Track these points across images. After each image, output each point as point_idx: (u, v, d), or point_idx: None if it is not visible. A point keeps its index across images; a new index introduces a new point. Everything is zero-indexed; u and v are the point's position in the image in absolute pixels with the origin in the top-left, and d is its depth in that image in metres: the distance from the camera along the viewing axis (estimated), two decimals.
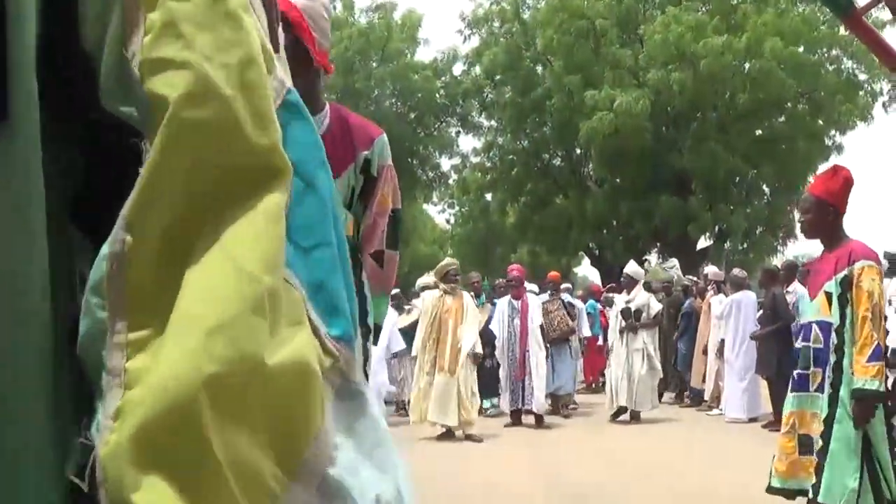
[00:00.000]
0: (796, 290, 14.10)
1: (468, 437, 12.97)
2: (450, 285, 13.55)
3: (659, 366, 15.23)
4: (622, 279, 16.01)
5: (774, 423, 13.98)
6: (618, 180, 30.36)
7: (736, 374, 15.07)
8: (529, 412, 14.34)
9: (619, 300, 15.55)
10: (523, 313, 14.60)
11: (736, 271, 16.56)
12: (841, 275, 5.57)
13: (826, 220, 5.72)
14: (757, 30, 25.64)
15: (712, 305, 15.85)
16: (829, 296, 5.64)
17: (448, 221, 41.42)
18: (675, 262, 18.03)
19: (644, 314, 15.04)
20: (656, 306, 15.37)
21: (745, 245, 29.95)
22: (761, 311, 14.96)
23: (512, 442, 13.03)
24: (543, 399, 14.54)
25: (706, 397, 16.46)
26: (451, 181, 36.50)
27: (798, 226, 27.73)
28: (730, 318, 15.26)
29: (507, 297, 14.93)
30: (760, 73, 25.95)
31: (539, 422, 14.35)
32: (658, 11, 28.64)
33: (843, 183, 5.70)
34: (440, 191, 37.33)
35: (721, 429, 14.00)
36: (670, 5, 27.48)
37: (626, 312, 15.03)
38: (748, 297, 15.45)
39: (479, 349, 13.45)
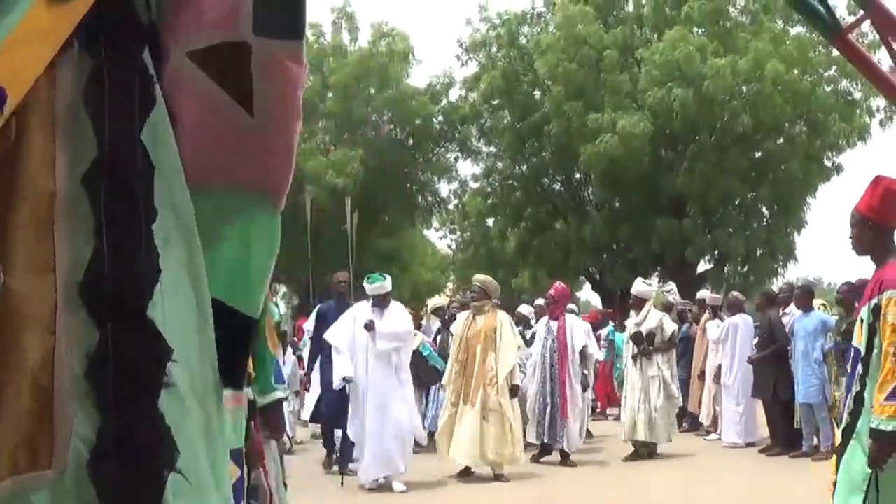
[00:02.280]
0: (793, 313, 14.06)
1: (497, 478, 11.89)
2: (478, 304, 12.33)
3: (677, 393, 14.07)
4: (630, 300, 14.73)
5: (772, 448, 13.94)
6: (617, 204, 30.36)
7: (733, 399, 15.00)
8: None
9: (629, 323, 14.24)
10: (560, 336, 13.36)
11: (734, 294, 16.50)
12: (872, 302, 5.13)
13: (867, 235, 5.34)
14: (758, 52, 25.67)
15: (708, 330, 15.73)
16: (861, 322, 5.23)
17: (449, 247, 41.38)
18: (672, 286, 17.80)
19: (658, 337, 13.75)
20: (670, 327, 14.13)
21: (744, 268, 29.87)
22: (758, 336, 14.90)
23: (538, 482, 12.05)
24: (578, 436, 13.50)
25: (703, 421, 16.40)
26: (450, 206, 36.48)
27: (796, 248, 27.61)
28: (727, 342, 15.18)
29: (545, 318, 13.85)
30: (759, 96, 25.96)
31: (565, 459, 13.14)
32: (654, 34, 28.70)
33: (881, 194, 5.30)
34: (440, 216, 37.29)
35: (735, 460, 13.89)
36: (667, 28, 27.50)
37: (637, 337, 13.76)
38: (745, 321, 15.38)
39: (517, 379, 12.23)
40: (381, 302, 11.39)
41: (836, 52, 23.06)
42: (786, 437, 13.75)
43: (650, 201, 28.34)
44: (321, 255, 26.09)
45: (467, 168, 35.77)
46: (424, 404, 15.04)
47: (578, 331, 13.74)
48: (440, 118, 34.30)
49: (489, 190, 33.92)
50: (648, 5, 29.71)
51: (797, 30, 27.74)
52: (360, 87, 32.60)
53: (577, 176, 32.15)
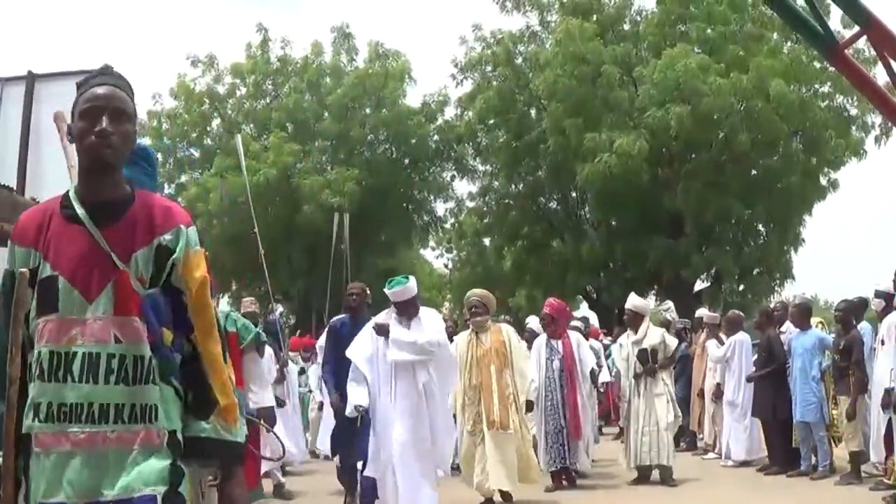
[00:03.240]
0: (789, 331, 14.03)
1: (506, 499, 11.29)
2: (476, 320, 11.40)
3: (679, 412, 13.54)
4: (625, 316, 14.05)
5: (770, 466, 13.89)
6: (613, 222, 30.37)
7: (739, 416, 14.93)
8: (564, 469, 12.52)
9: (625, 341, 13.59)
10: (567, 355, 12.76)
11: (733, 312, 16.44)
12: None
13: None
14: (759, 69, 25.69)
15: (709, 348, 15.64)
16: None
17: (446, 266, 41.41)
18: (670, 304, 17.70)
19: (660, 354, 13.12)
20: (673, 342, 13.60)
21: (741, 286, 29.85)
22: (756, 354, 14.86)
23: None
24: (587, 456, 13.06)
25: (702, 440, 16.35)
26: (447, 225, 36.50)
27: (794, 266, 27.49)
28: (733, 359, 15.11)
29: (544, 337, 13.12)
30: (758, 113, 25.97)
31: (572, 480, 12.58)
32: (651, 53, 28.75)
33: None
34: (436, 235, 37.32)
35: (741, 479, 13.83)
36: (666, 46, 27.54)
37: (643, 356, 13.03)
38: (746, 339, 15.35)
39: (531, 396, 11.71)
40: (406, 309, 9.77)
41: (831, 68, 23.17)
42: (784, 455, 13.69)
43: (647, 219, 28.35)
44: (317, 274, 26.08)
45: (463, 187, 36.02)
46: None
47: (586, 349, 13.30)
48: (436, 137, 34.33)
49: (485, 209, 33.94)
50: (647, 23, 29.78)
51: (792, 45, 27.80)
52: (356, 107, 32.63)
53: (574, 195, 32.16)
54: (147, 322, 3.30)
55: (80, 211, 3.33)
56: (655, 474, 12.88)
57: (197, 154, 34.49)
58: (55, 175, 6.49)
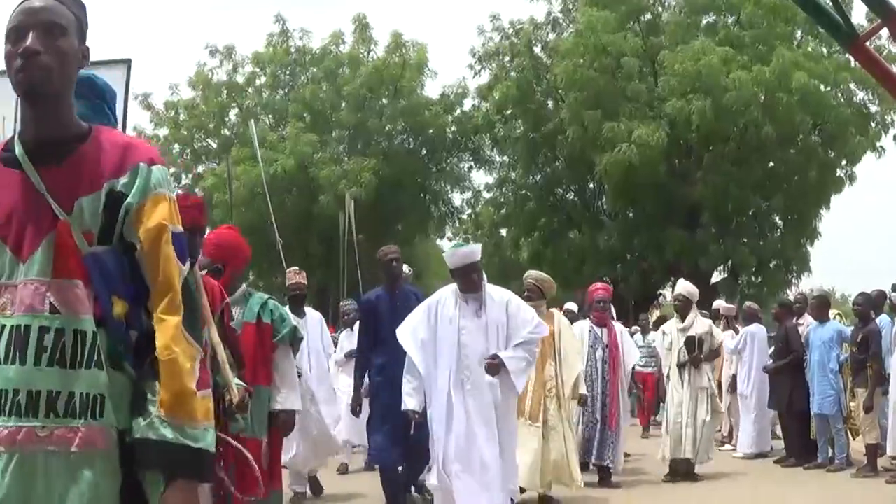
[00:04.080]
0: (808, 323, 13.99)
1: (546, 502, 10.40)
2: (533, 305, 9.83)
3: (721, 407, 13.16)
4: (675, 302, 13.14)
5: (787, 459, 13.85)
6: (630, 213, 30.29)
7: (749, 409, 14.90)
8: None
9: (670, 327, 12.79)
10: (612, 345, 12.03)
11: (748, 304, 16.39)
12: None
13: None
14: (783, 63, 25.54)
15: (724, 340, 15.58)
16: None
17: None
18: None
19: (706, 345, 12.39)
20: (720, 335, 13.15)
21: (758, 279, 29.75)
22: (773, 346, 14.82)
23: None
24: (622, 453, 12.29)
25: (718, 431, 16.32)
26: (463, 216, 36.49)
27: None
28: (744, 351, 15.09)
29: (587, 323, 12.26)
30: (781, 105, 25.84)
31: (608, 479, 11.90)
32: (673, 44, 28.63)
33: None
34: (453, 226, 37.31)
35: (758, 471, 13.78)
36: (688, 38, 27.43)
37: (690, 343, 12.23)
38: (760, 331, 15.30)
39: (583, 388, 10.86)
40: (471, 282, 8.07)
41: (853, 62, 23.07)
42: (801, 448, 13.66)
43: (664, 211, 28.27)
44: (334, 264, 26.10)
45: (480, 178, 35.93)
46: None
47: (630, 341, 12.74)
48: (453, 128, 34.31)
49: (502, 200, 33.88)
50: (671, 14, 29.68)
51: (814, 39, 27.70)
52: (374, 97, 32.62)
53: (591, 186, 32.11)
54: (93, 288, 2.64)
55: (17, 150, 2.70)
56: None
57: (214, 144, 34.54)
58: None
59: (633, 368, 13.33)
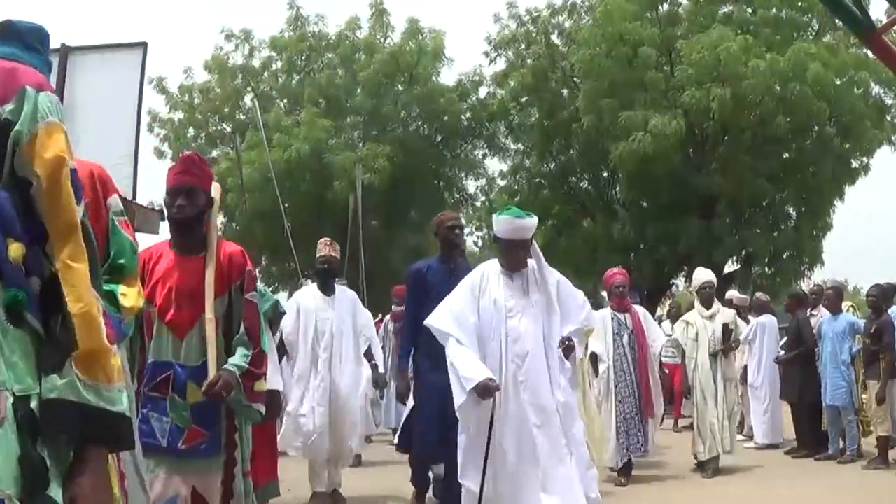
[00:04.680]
0: (821, 314, 13.99)
1: None
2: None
3: (738, 399, 13.00)
4: (703, 289, 12.67)
5: (798, 450, 13.87)
6: (645, 203, 30.24)
7: (760, 400, 14.93)
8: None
9: (694, 317, 12.58)
10: (638, 331, 11.74)
11: (759, 295, 16.40)
12: None
13: None
14: (799, 53, 25.44)
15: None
16: None
17: (475, 244, 41.44)
18: None
19: (734, 334, 12.50)
20: (743, 325, 13.28)
21: (771, 270, 29.69)
22: (786, 337, 14.84)
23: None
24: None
25: None
26: (477, 203, 36.51)
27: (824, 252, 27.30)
28: (755, 342, 15.11)
29: (607, 310, 12.01)
30: (797, 96, 25.73)
31: (628, 473, 11.65)
32: (691, 33, 28.54)
33: None
34: (467, 213, 37.32)
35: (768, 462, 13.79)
36: (706, 28, 27.33)
37: (726, 331, 12.18)
38: (771, 322, 15.32)
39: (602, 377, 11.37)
40: (518, 261, 7.10)
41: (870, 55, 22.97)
42: (812, 439, 13.68)
43: (679, 201, 28.21)
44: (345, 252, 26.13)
45: (494, 165, 35.97)
46: None
47: (653, 322, 12.35)
48: (468, 115, 34.29)
49: (516, 187, 33.80)
50: (688, 3, 29.58)
51: (832, 31, 27.59)
52: (389, 83, 32.62)
53: (605, 174, 32.07)
54: None
55: None
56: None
57: (229, 128, 34.58)
58: (88, 147, 6.36)
59: (661, 354, 12.92)
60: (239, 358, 5.39)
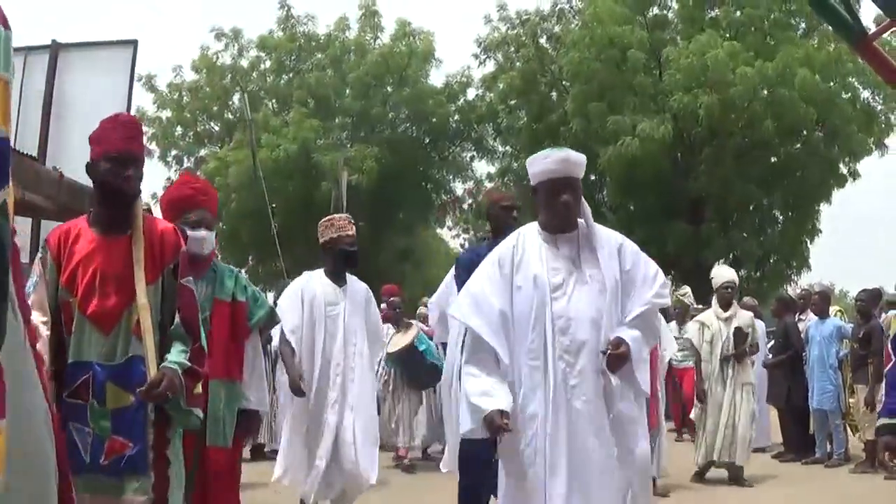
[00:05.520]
0: (809, 318, 14.02)
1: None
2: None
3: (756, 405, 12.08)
4: (725, 288, 12.09)
5: (785, 454, 13.88)
6: (632, 207, 30.28)
7: None
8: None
9: (710, 318, 12.03)
10: None
11: (746, 299, 16.39)
12: None
13: None
14: (786, 58, 25.50)
15: None
16: None
17: (462, 246, 41.48)
18: (687, 289, 17.60)
19: (750, 339, 11.84)
20: (761, 328, 12.85)
21: (758, 273, 29.75)
22: (773, 341, 14.86)
23: None
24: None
25: None
26: (465, 206, 36.52)
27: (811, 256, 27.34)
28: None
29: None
30: (784, 100, 25.78)
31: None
32: (679, 37, 28.58)
33: None
34: (454, 215, 37.32)
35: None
36: (695, 33, 27.38)
37: (739, 334, 11.61)
38: (759, 325, 15.32)
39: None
40: (564, 211, 5.16)
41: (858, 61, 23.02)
42: (799, 443, 13.70)
43: (666, 204, 28.27)
44: None
45: (482, 168, 35.95)
46: (428, 412, 13.21)
47: (664, 327, 10.54)
48: (456, 117, 34.32)
49: (504, 190, 33.85)
50: (679, 5, 29.61)
51: (820, 35, 27.67)
52: (378, 84, 32.61)
53: (593, 178, 32.10)
54: None
55: None
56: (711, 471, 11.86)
57: (217, 128, 34.52)
58: (78, 144, 6.25)
59: (670, 362, 12.45)
60: (178, 354, 4.56)
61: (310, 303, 8.10)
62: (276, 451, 8.78)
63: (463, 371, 5.18)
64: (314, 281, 8.31)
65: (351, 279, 8.39)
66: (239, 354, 6.08)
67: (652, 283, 5.24)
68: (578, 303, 4.95)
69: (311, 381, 7.95)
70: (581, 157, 5.35)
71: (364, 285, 8.55)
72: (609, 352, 4.85)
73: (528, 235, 5.22)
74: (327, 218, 8.58)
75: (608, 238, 5.27)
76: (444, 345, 8.45)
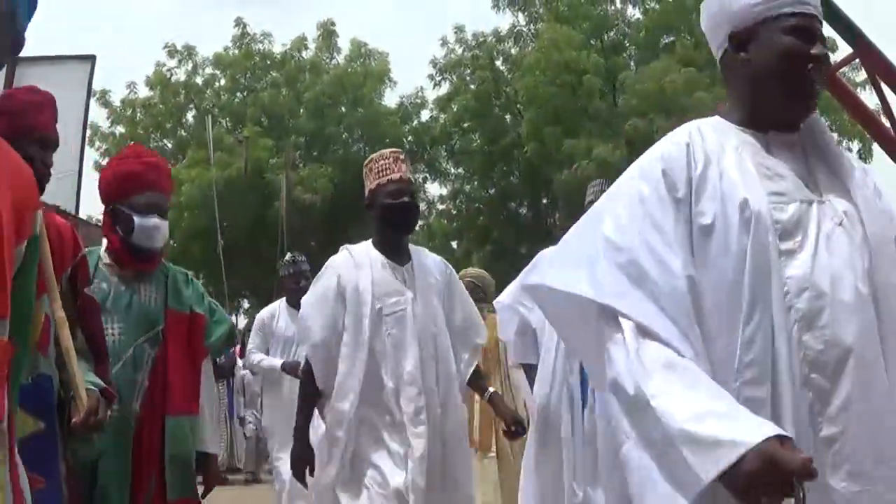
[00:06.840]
0: None
1: None
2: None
3: None
4: None
5: None
6: None
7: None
8: None
9: None
10: None
11: None
12: None
13: None
14: None
15: None
16: None
17: None
18: None
19: None
20: None
21: None
22: None
23: None
24: None
25: None
26: (416, 228, 36.38)
27: None
28: None
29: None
30: None
31: None
32: (635, 62, 28.77)
33: None
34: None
35: None
36: (653, 58, 27.55)
37: None
38: None
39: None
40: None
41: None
42: None
43: None
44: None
45: (435, 189, 35.81)
46: None
47: None
48: (410, 138, 34.21)
49: (455, 212, 33.83)
50: (635, 31, 29.77)
51: None
52: (333, 104, 32.49)
53: (545, 201, 32.16)
54: None
55: None
56: None
57: (170, 145, 34.22)
58: None
59: None
60: (89, 374, 3.61)
61: (353, 298, 5.17)
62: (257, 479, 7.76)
63: (645, 404, 2.28)
64: (359, 260, 5.38)
65: (417, 252, 5.62)
66: (196, 381, 4.78)
67: None
68: (834, 265, 2.42)
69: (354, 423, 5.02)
70: None
71: (440, 259, 5.83)
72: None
73: (712, 132, 2.85)
74: (368, 159, 5.91)
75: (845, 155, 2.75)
76: (528, 368, 6.22)
